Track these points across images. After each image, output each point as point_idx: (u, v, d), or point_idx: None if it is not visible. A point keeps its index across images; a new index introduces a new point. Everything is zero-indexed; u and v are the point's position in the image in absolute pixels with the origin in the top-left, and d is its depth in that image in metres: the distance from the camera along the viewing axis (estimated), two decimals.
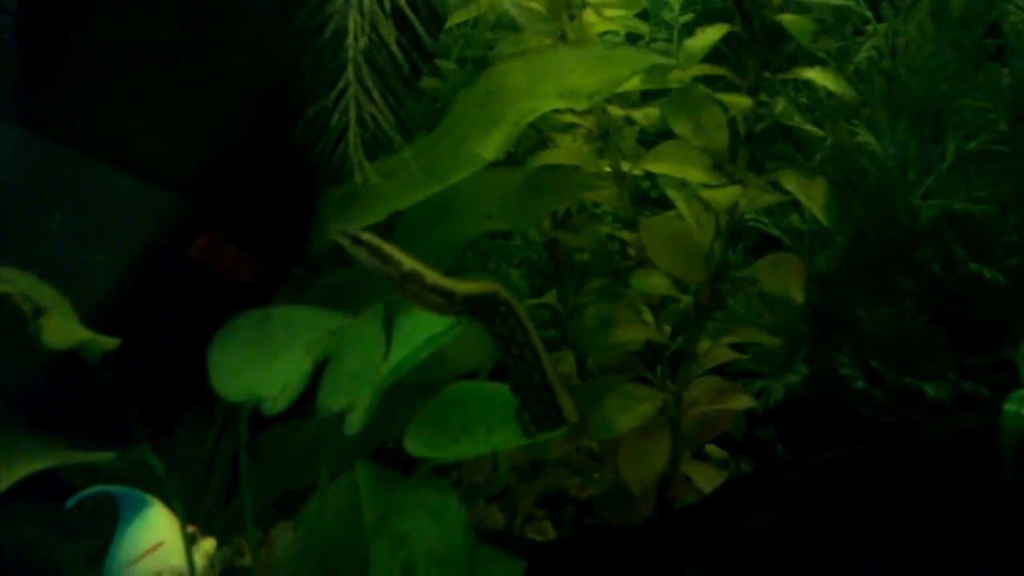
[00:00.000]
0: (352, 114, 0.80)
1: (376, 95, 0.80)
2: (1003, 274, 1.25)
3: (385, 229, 1.26)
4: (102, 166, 1.08)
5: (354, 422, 0.90)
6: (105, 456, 1.02)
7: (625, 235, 1.28)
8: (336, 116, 0.81)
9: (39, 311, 0.93)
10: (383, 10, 0.77)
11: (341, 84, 0.79)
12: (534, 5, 1.31)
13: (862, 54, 1.26)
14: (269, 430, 1.23)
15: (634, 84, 1.30)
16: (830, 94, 1.26)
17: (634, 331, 1.26)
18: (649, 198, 1.57)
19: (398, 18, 0.83)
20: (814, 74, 1.14)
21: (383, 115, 0.83)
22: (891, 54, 1.32)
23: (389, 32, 0.77)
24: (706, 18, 1.57)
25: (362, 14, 0.76)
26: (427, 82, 1.59)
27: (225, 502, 1.32)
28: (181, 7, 1.06)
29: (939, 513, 1.03)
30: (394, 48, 0.78)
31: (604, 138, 1.29)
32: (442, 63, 1.59)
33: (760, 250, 1.52)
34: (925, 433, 1.19)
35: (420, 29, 0.82)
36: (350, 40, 0.76)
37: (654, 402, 1.22)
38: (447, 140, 1.21)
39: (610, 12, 1.33)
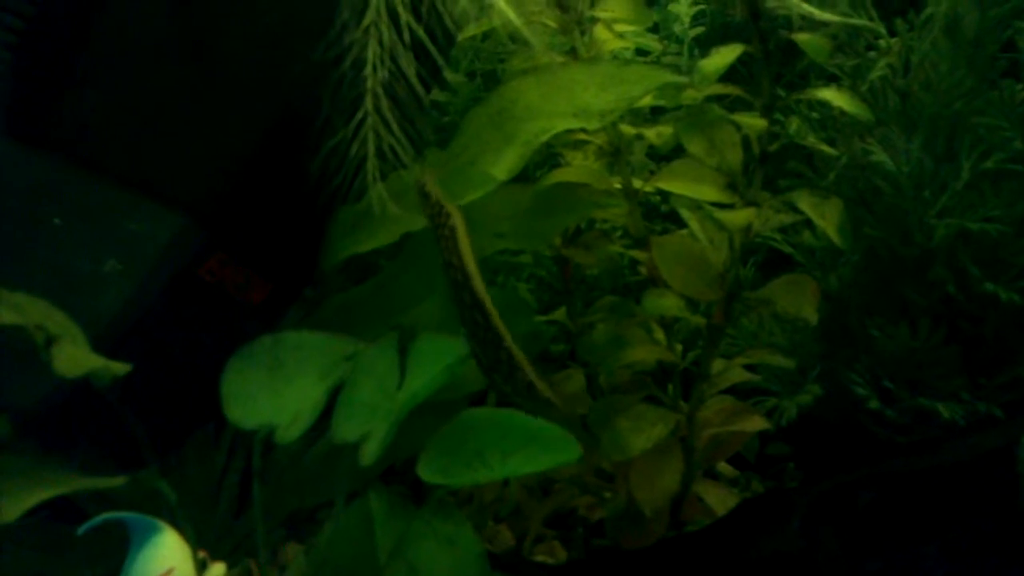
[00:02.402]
0: (371, 147, 0.79)
1: (395, 127, 0.79)
2: (1018, 294, 1.24)
3: (396, 248, 1.25)
4: (113, 186, 1.07)
5: (369, 453, 0.89)
6: (116, 481, 1.01)
7: (637, 254, 1.27)
8: (355, 147, 0.80)
9: (50, 340, 0.93)
10: (402, 41, 0.75)
11: (360, 115, 0.78)
12: (545, 20, 1.30)
13: (876, 72, 1.25)
14: (278, 448, 1.22)
15: (646, 101, 1.30)
16: (844, 112, 1.25)
17: (646, 351, 1.25)
18: (659, 212, 1.56)
19: (414, 44, 0.82)
20: (829, 94, 1.13)
21: (400, 144, 0.82)
22: (905, 71, 1.31)
23: (409, 64, 0.76)
24: (717, 32, 1.57)
25: (381, 45, 0.75)
26: (436, 95, 1.58)
27: (235, 520, 1.31)
28: (194, 29, 1.05)
29: (955, 539, 1.03)
30: (413, 80, 0.77)
31: (615, 155, 1.29)
32: (451, 76, 1.58)
33: (771, 265, 1.52)
34: (939, 456, 1.18)
35: (434, 51, 0.81)
36: (368, 70, 0.75)
37: (667, 423, 1.21)
38: (459, 160, 1.20)
39: (621, 27, 1.32)
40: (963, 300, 1.27)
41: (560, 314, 1.41)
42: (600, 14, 1.31)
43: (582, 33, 1.31)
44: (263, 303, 1.16)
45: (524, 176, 1.45)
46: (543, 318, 1.44)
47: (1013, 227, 1.25)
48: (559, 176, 1.29)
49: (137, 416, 1.11)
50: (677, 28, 1.52)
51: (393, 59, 0.77)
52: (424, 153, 1.35)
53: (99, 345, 1.07)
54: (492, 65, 1.54)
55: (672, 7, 1.53)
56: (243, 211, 1.11)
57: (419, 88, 0.80)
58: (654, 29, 1.53)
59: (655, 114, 1.46)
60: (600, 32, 1.30)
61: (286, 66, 1.06)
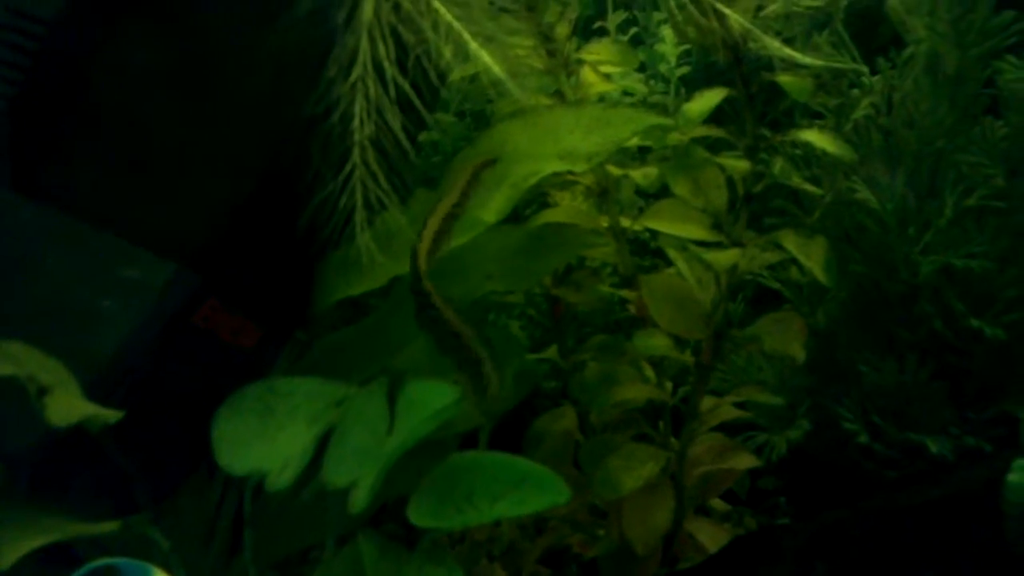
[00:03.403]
0: (359, 197, 0.80)
1: (382, 179, 0.80)
2: (1003, 328, 1.25)
3: (384, 292, 1.26)
4: (107, 235, 1.08)
5: (359, 501, 0.90)
6: (109, 527, 1.02)
7: (626, 293, 1.29)
8: (343, 199, 0.81)
9: (43, 391, 0.94)
10: (388, 95, 0.77)
11: (348, 168, 0.79)
12: (533, 63, 1.32)
13: (859, 111, 1.27)
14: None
15: (633, 141, 1.32)
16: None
17: (636, 389, 1.26)
18: (649, 248, 1.58)
19: (400, 95, 0.84)
20: (811, 135, 1.15)
21: (386, 195, 0.84)
22: (888, 109, 1.33)
23: (395, 117, 0.77)
24: (703, 72, 1.59)
25: (367, 99, 0.77)
26: (426, 135, 1.60)
27: (228, 563, 1.31)
28: (186, 80, 1.06)
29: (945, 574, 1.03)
30: (399, 133, 0.78)
31: (603, 195, 1.30)
32: (441, 116, 1.60)
33: (760, 300, 1.53)
34: (928, 491, 1.19)
35: (420, 106, 0.83)
36: (356, 124, 0.77)
37: (657, 462, 1.22)
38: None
39: (607, 69, 1.34)
40: (949, 335, 1.28)
41: (551, 352, 1.42)
42: (586, 56, 1.33)
43: (568, 75, 1.33)
44: (255, 347, 1.17)
45: (514, 215, 1.47)
46: (535, 356, 1.45)
47: (997, 263, 1.27)
48: (548, 216, 1.30)
49: (132, 461, 1.12)
50: (663, 68, 1.54)
51: (379, 112, 0.79)
52: (413, 194, 1.37)
53: (93, 391, 1.07)
54: (481, 105, 1.56)
55: (658, 47, 1.56)
56: (235, 258, 1.12)
57: (404, 141, 0.81)
58: (641, 69, 1.55)
59: (643, 152, 1.47)
60: (587, 75, 1.32)
61: (278, 115, 1.08)
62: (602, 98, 1.51)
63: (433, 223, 1.02)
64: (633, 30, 1.58)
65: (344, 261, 1.18)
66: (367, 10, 0.78)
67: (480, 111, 1.57)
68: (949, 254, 1.25)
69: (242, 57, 1.05)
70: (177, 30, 1.05)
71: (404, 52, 0.83)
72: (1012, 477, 0.92)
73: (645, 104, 1.50)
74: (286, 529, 1.23)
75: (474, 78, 1.53)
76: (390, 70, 0.77)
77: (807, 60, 1.01)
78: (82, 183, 1.10)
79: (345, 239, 1.04)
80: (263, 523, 1.23)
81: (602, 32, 1.56)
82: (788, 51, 1.01)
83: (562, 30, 1.32)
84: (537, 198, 1.50)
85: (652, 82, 1.56)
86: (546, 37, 1.28)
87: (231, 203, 1.11)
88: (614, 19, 1.53)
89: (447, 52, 0.81)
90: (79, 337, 1.07)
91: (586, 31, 1.58)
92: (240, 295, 1.12)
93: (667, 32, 1.52)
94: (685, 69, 1.55)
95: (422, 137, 1.62)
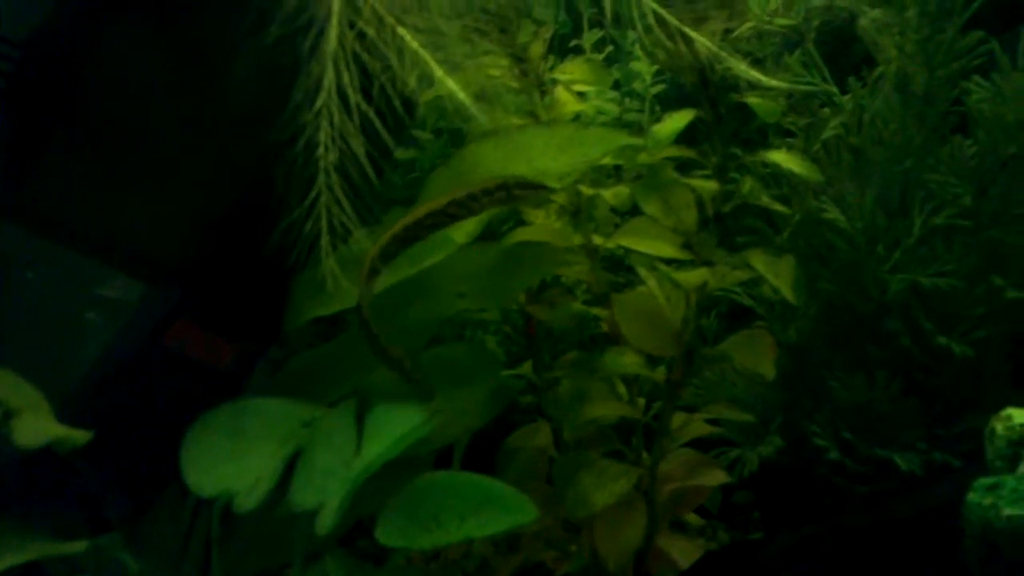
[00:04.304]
0: (324, 224, 0.81)
1: (346, 205, 0.81)
2: (971, 346, 1.26)
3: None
4: (81, 255, 1.09)
5: (325, 523, 0.90)
6: (77, 547, 1.02)
7: (598, 311, 1.30)
8: (309, 224, 0.82)
9: (9, 414, 0.94)
10: (352, 121, 0.78)
11: (313, 194, 0.80)
12: (507, 82, 1.33)
13: (828, 131, 1.29)
14: None
15: (606, 160, 1.33)
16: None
17: (608, 407, 1.27)
18: (624, 265, 1.59)
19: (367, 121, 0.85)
20: (779, 156, 1.17)
21: (351, 223, 0.85)
22: (858, 129, 1.34)
23: (359, 144, 0.78)
24: (677, 91, 1.60)
25: (332, 126, 0.78)
26: (403, 153, 1.61)
27: None
28: (159, 104, 1.07)
29: None
30: (364, 162, 0.80)
31: (576, 214, 1.31)
32: (419, 133, 1.61)
33: (734, 316, 1.54)
34: (896, 508, 1.20)
35: (384, 132, 0.84)
36: (321, 151, 0.78)
37: (629, 478, 1.23)
38: None
39: (580, 88, 1.35)
40: (918, 352, 1.30)
41: (526, 368, 1.43)
42: (560, 76, 1.34)
43: (543, 95, 1.34)
44: (229, 366, 1.18)
45: (490, 232, 1.48)
46: (510, 372, 1.46)
47: (965, 281, 1.28)
48: (521, 235, 1.31)
49: (106, 480, 1.12)
50: (638, 86, 1.55)
51: (343, 138, 0.80)
52: (390, 212, 1.38)
53: (64, 411, 1.08)
54: (458, 123, 1.57)
55: (634, 65, 1.57)
56: (208, 277, 1.13)
57: (368, 168, 0.82)
58: (616, 87, 1.56)
59: (618, 170, 1.48)
60: (560, 94, 1.34)
61: (251, 137, 1.09)
62: (578, 116, 1.53)
63: (374, 251, 1.04)
64: (609, 48, 1.60)
65: (315, 280, 1.19)
66: (331, 38, 0.79)
67: (457, 129, 1.58)
68: (917, 272, 1.26)
69: (217, 80, 1.06)
70: (156, 50, 1.06)
71: (369, 79, 0.84)
72: (971, 496, 0.93)
73: (619, 123, 1.51)
74: (260, 547, 1.24)
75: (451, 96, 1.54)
76: (354, 97, 0.78)
77: (772, 82, 1.02)
78: (57, 206, 1.11)
79: (316, 259, 1.05)
80: (237, 541, 1.23)
81: (578, 51, 1.57)
82: (754, 73, 1.02)
83: (536, 50, 1.34)
84: (512, 216, 1.51)
85: (627, 100, 1.57)
86: (519, 58, 1.30)
87: (204, 223, 1.12)
88: (589, 38, 1.55)
89: (412, 79, 0.81)
90: (50, 356, 1.08)
91: (562, 49, 1.60)
92: (214, 313, 1.13)
93: (641, 51, 1.54)
94: (660, 87, 1.57)
95: (400, 155, 1.63)
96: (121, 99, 1.07)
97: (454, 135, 1.58)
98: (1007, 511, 0.90)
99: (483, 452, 1.42)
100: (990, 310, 1.28)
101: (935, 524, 1.12)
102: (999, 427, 1.00)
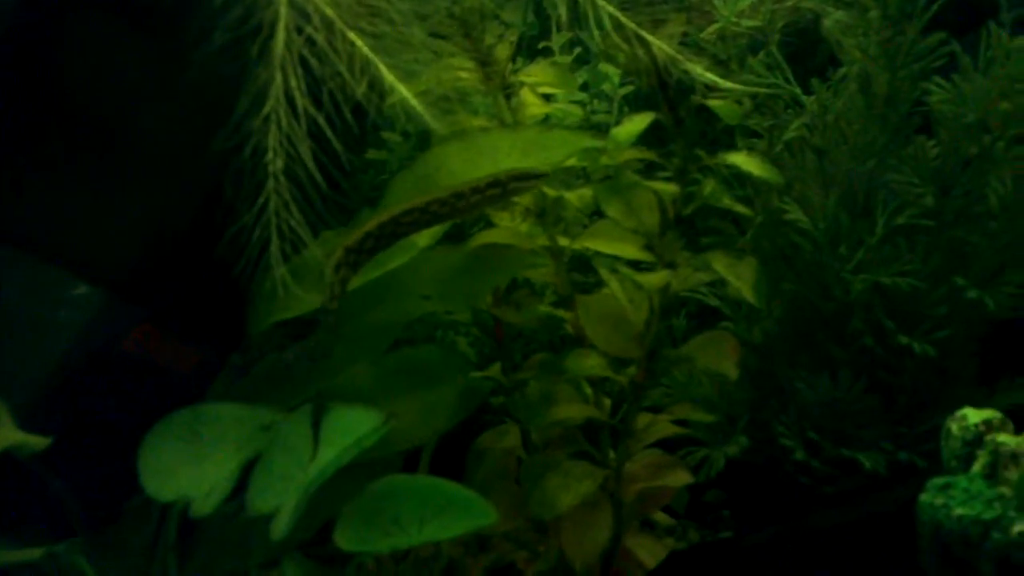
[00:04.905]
0: (273, 229, 0.81)
1: (294, 210, 0.82)
2: (934, 345, 1.27)
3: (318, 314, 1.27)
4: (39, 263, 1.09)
5: (280, 528, 0.91)
6: (33, 554, 1.02)
7: (563, 313, 1.30)
8: (257, 231, 0.83)
9: None
10: (296, 123, 0.78)
11: (262, 199, 0.81)
12: (473, 84, 1.34)
13: (790, 132, 1.29)
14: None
15: (571, 162, 1.33)
16: None
17: (574, 409, 1.27)
18: (592, 267, 1.59)
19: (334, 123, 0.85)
20: (739, 159, 1.17)
21: (301, 227, 0.85)
22: (821, 129, 1.34)
23: (307, 152, 0.79)
24: (646, 92, 1.61)
25: (279, 130, 0.78)
26: (373, 154, 1.61)
27: None
28: (112, 109, 1.07)
29: None
30: (312, 167, 0.80)
31: (541, 216, 1.32)
32: (387, 135, 1.61)
33: (703, 316, 1.55)
34: (859, 507, 1.21)
35: (332, 136, 0.84)
36: (270, 156, 0.78)
37: (594, 479, 1.24)
38: None
39: (545, 90, 1.36)
40: (881, 352, 1.30)
41: (494, 370, 1.43)
42: (525, 78, 1.35)
43: (508, 98, 1.34)
44: (190, 371, 1.18)
45: (459, 233, 1.48)
46: (480, 374, 1.46)
47: (928, 280, 1.29)
48: (486, 237, 1.31)
49: (70, 487, 1.12)
50: (607, 88, 1.56)
51: (293, 144, 0.80)
52: (358, 214, 1.38)
53: (26, 416, 1.08)
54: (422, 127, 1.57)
55: (603, 66, 1.57)
56: (167, 283, 1.13)
57: (317, 175, 0.82)
58: (584, 88, 1.56)
59: (587, 172, 1.49)
60: (526, 97, 1.34)
61: (208, 143, 1.09)
62: (547, 118, 1.53)
63: (350, 243, 1.04)
64: (578, 50, 1.60)
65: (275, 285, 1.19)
66: (279, 42, 0.79)
67: (426, 132, 1.58)
68: (880, 272, 1.27)
69: (172, 88, 1.06)
70: (108, 57, 1.06)
71: (319, 85, 0.84)
72: (924, 497, 0.94)
73: (588, 125, 1.51)
74: (225, 552, 1.24)
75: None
76: (301, 101, 0.78)
77: (728, 84, 1.03)
78: (17, 216, 1.11)
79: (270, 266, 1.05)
80: (203, 546, 1.24)
81: (548, 52, 1.57)
82: (709, 75, 1.03)
83: (502, 52, 1.34)
84: (482, 217, 1.51)
85: (596, 102, 1.57)
86: (483, 61, 1.30)
87: (164, 229, 1.12)
88: (558, 39, 1.55)
89: (362, 85, 0.82)
90: (8, 364, 1.08)
91: (531, 51, 1.60)
92: (174, 319, 1.13)
93: (600, 54, 1.54)
94: (629, 89, 1.57)
95: (370, 155, 1.63)
96: (74, 107, 1.07)
97: (422, 138, 1.59)
98: (958, 511, 0.91)
99: (454, 452, 1.43)
100: (953, 309, 1.29)
101: (897, 524, 1.12)
102: (954, 427, 1.00)
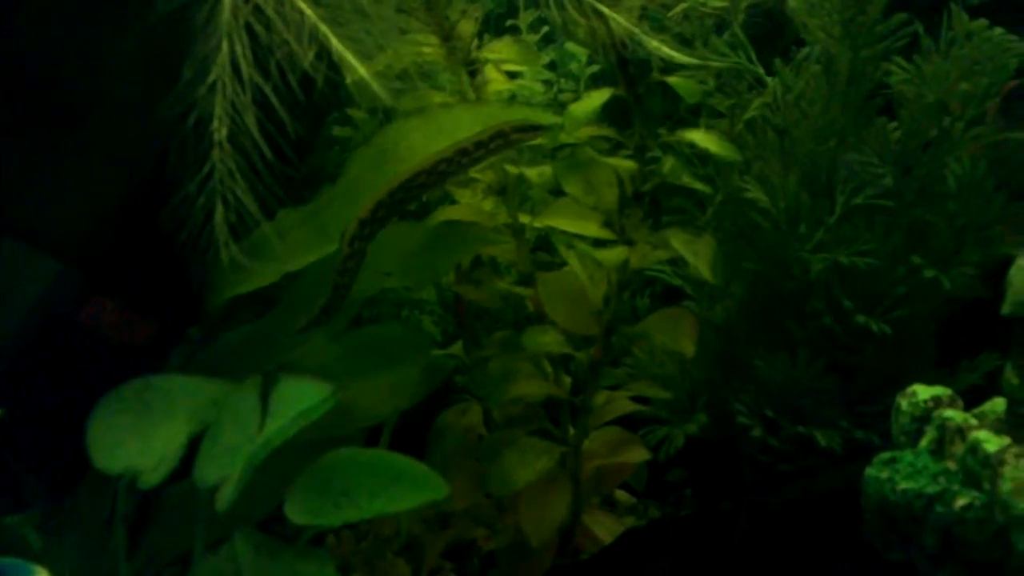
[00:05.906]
0: (219, 200, 0.81)
1: (241, 183, 0.81)
2: (892, 325, 1.28)
3: (281, 290, 1.27)
4: None
5: (224, 498, 0.91)
6: None
7: (523, 291, 1.30)
8: (201, 199, 0.82)
9: None
10: (245, 96, 0.78)
11: (205, 169, 0.80)
12: (436, 60, 1.33)
13: (751, 112, 1.29)
14: (172, 486, 1.23)
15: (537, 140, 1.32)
16: None
17: (533, 386, 1.28)
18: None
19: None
20: (697, 136, 1.17)
21: (248, 199, 0.84)
22: (784, 109, 1.35)
23: (252, 122, 0.78)
24: (612, 70, 1.60)
25: (226, 98, 0.78)
26: (338, 131, 1.61)
27: (129, 558, 1.31)
28: (64, 80, 1.06)
29: (811, 570, 1.06)
30: (259, 139, 0.79)
31: (502, 193, 1.31)
32: (352, 112, 1.60)
33: (668, 295, 1.55)
34: (814, 485, 1.22)
35: (279, 106, 0.83)
36: (216, 125, 0.78)
37: (551, 456, 1.24)
38: (341, 200, 1.22)
39: (509, 67, 1.35)
40: (840, 331, 1.31)
41: (457, 348, 1.43)
42: (489, 55, 1.34)
43: (472, 75, 1.34)
44: (147, 344, 1.17)
45: (422, 208, 1.48)
46: (442, 352, 1.46)
47: (887, 260, 1.29)
48: (447, 214, 1.31)
49: (24, 461, 1.12)
50: (574, 66, 1.55)
51: (239, 113, 0.80)
52: (321, 190, 1.38)
53: None
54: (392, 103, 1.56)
55: (570, 45, 1.57)
56: (122, 255, 1.12)
57: (264, 147, 0.82)
58: (551, 67, 1.56)
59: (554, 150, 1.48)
60: (490, 73, 1.33)
61: (160, 113, 1.08)
62: (512, 96, 1.53)
63: (363, 213, 1.04)
64: (545, 29, 1.60)
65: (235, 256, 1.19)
66: (225, 9, 0.79)
67: (391, 108, 1.57)
68: (839, 252, 1.27)
69: (122, 57, 1.05)
70: (52, 26, 1.05)
71: (268, 54, 0.84)
72: (870, 471, 0.94)
73: (554, 103, 1.51)
74: (182, 527, 1.24)
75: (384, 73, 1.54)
76: (247, 71, 0.77)
77: (685, 59, 1.03)
78: None
79: (238, 234, 1.05)
80: (161, 521, 1.23)
81: (515, 30, 1.57)
82: (666, 51, 1.03)
83: (466, 27, 1.33)
84: (446, 195, 1.50)
85: (563, 81, 1.57)
86: (446, 36, 1.29)
87: (118, 199, 1.11)
88: (525, 17, 1.54)
89: (310, 54, 0.81)
90: None
91: (499, 29, 1.59)
92: (129, 291, 1.13)
93: (558, 29, 1.54)
94: (596, 67, 1.57)
95: (336, 132, 1.63)
96: (19, 77, 1.06)
97: (389, 115, 1.58)
98: (902, 485, 0.91)
99: (417, 430, 1.43)
100: (911, 289, 1.30)
101: (847, 500, 1.13)
102: (904, 403, 1.01)
